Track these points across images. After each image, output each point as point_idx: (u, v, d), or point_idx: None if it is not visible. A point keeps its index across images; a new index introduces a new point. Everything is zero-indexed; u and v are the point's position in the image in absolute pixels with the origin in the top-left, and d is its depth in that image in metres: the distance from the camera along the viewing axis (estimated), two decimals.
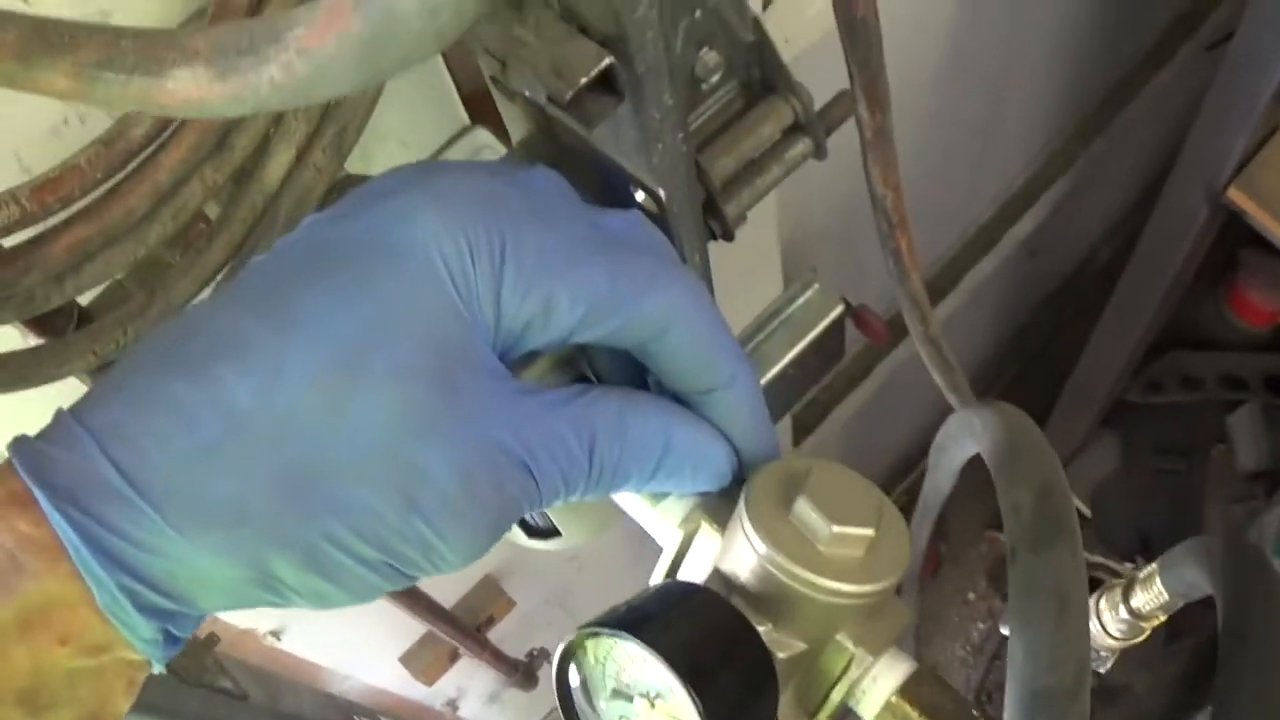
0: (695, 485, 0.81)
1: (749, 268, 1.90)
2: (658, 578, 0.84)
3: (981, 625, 5.20)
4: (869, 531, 0.75)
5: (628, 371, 0.82)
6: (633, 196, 0.86)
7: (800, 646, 0.77)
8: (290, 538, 0.64)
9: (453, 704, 3.30)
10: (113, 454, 0.61)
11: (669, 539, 0.85)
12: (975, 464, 0.95)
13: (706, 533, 0.83)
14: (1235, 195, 2.90)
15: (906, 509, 1.58)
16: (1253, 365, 4.63)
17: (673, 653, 0.67)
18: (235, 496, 0.62)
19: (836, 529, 0.74)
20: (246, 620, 2.14)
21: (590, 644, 0.74)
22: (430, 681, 2.76)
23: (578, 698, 0.75)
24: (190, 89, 0.55)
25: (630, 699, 0.73)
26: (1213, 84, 2.84)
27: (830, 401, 3.16)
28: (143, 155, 0.88)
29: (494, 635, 2.84)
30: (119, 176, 0.88)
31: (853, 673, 0.79)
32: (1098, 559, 1.32)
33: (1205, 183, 2.98)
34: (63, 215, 0.87)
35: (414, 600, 2.26)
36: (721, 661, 0.70)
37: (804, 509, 0.75)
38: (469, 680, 3.20)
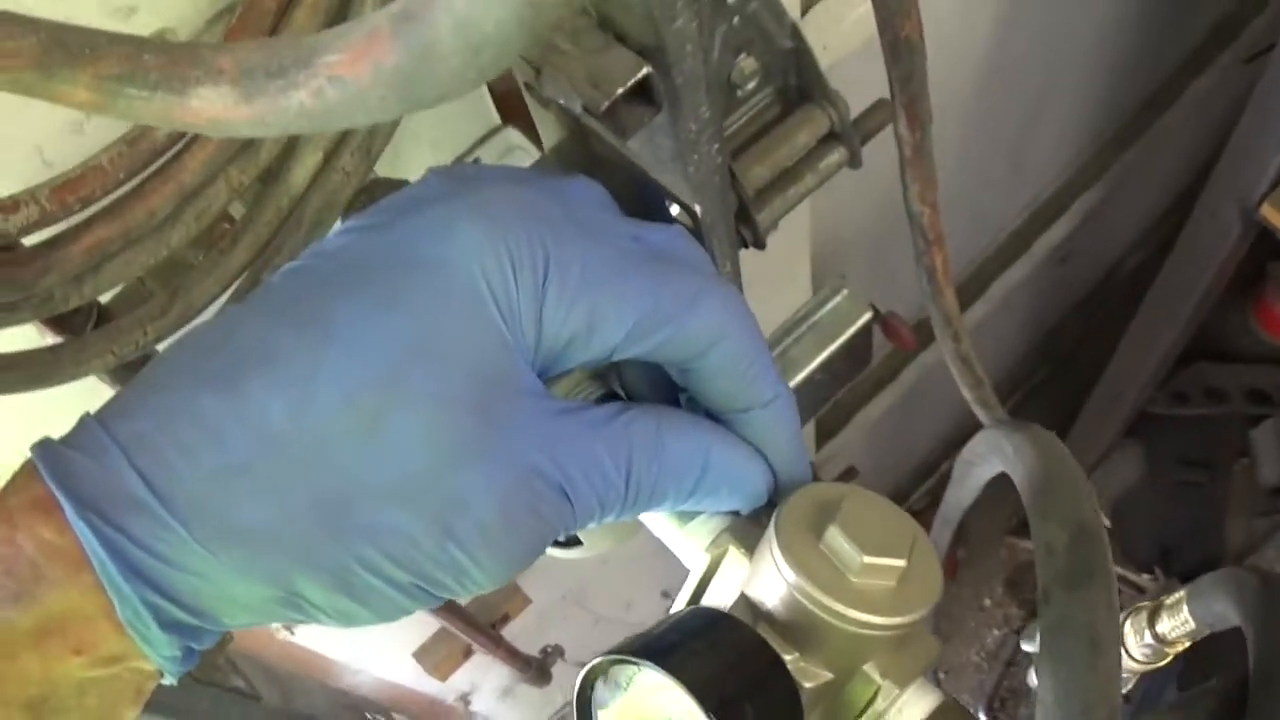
0: (731, 505, 0.80)
1: (779, 273, 1.89)
2: (682, 602, 0.83)
3: (997, 631, 5.20)
4: (901, 563, 0.74)
5: (657, 386, 0.81)
6: (666, 209, 0.85)
7: (826, 676, 0.76)
8: (321, 560, 0.62)
9: (465, 699, 3.30)
10: (140, 466, 0.59)
11: (696, 562, 0.84)
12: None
13: (734, 558, 0.82)
14: (1269, 212, 2.89)
15: (927, 512, 1.57)
16: (1278, 380, 4.61)
17: (698, 683, 0.66)
18: (266, 517, 0.61)
19: (868, 559, 0.73)
20: None
21: (613, 671, 0.72)
22: (443, 677, 2.76)
23: None
24: (214, 109, 0.53)
25: None
26: (1250, 99, 2.83)
27: (855, 405, 3.15)
28: (167, 155, 0.87)
29: (508, 632, 2.84)
30: (142, 176, 0.87)
31: (879, 704, 0.78)
32: (1116, 570, 1.30)
33: (1239, 198, 2.97)
34: (84, 215, 0.86)
35: None
36: (747, 692, 0.68)
37: (835, 538, 0.74)
38: (482, 675, 3.20)
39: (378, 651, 2.70)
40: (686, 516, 0.85)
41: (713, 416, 0.78)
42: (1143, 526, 4.60)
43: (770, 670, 0.71)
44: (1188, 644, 1.18)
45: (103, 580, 0.60)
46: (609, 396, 0.85)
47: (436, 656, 2.70)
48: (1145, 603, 1.25)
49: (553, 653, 3.31)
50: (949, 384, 1.73)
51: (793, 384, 1.90)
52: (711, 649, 0.70)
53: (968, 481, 1.10)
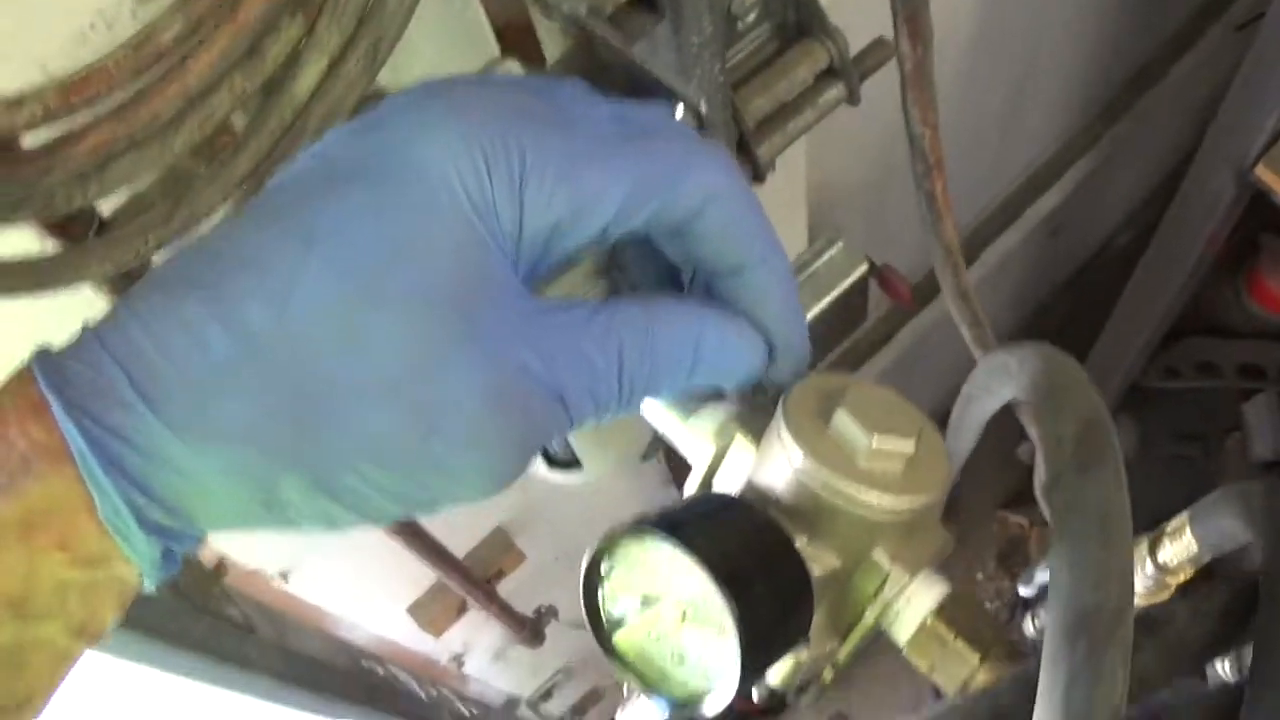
0: (728, 382, 0.79)
1: (776, 221, 1.88)
2: (690, 492, 0.83)
3: (990, 605, 5.19)
4: (909, 446, 0.74)
5: (660, 278, 0.81)
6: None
7: (835, 563, 0.76)
8: (300, 458, 0.63)
9: (458, 659, 3.31)
10: (127, 368, 0.61)
11: (701, 453, 0.84)
12: (986, 442, 0.93)
13: (740, 445, 0.82)
14: (1263, 173, 2.89)
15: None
16: (1271, 354, 4.62)
17: (711, 557, 0.66)
18: (246, 415, 0.62)
19: (876, 442, 0.73)
20: (254, 560, 2.14)
21: (623, 546, 0.72)
22: (438, 633, 2.76)
23: (605, 605, 0.74)
24: None
25: (660, 609, 0.72)
26: (1244, 61, 2.83)
27: (852, 366, 3.15)
28: (171, 59, 0.87)
29: (503, 589, 2.84)
30: (146, 79, 0.87)
31: (887, 592, 0.78)
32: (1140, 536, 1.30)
33: (1233, 161, 2.96)
34: (88, 117, 0.86)
35: (424, 545, 2.25)
36: (758, 570, 0.69)
37: (843, 421, 0.74)
38: (476, 635, 3.20)
39: (373, 606, 2.70)
40: (690, 409, 0.85)
41: (712, 288, 0.78)
42: (1137, 501, 4.58)
43: (781, 550, 0.71)
44: (1190, 572, 1.18)
45: (83, 473, 0.61)
46: (613, 294, 0.85)
47: (431, 612, 2.70)
48: (1142, 536, 1.25)
49: (546, 613, 3.31)
50: (946, 347, 1.73)
51: None
52: (725, 528, 0.70)
53: (968, 420, 1.10)
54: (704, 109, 0.86)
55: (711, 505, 0.73)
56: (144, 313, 0.62)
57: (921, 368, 3.46)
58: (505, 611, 2.92)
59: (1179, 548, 1.14)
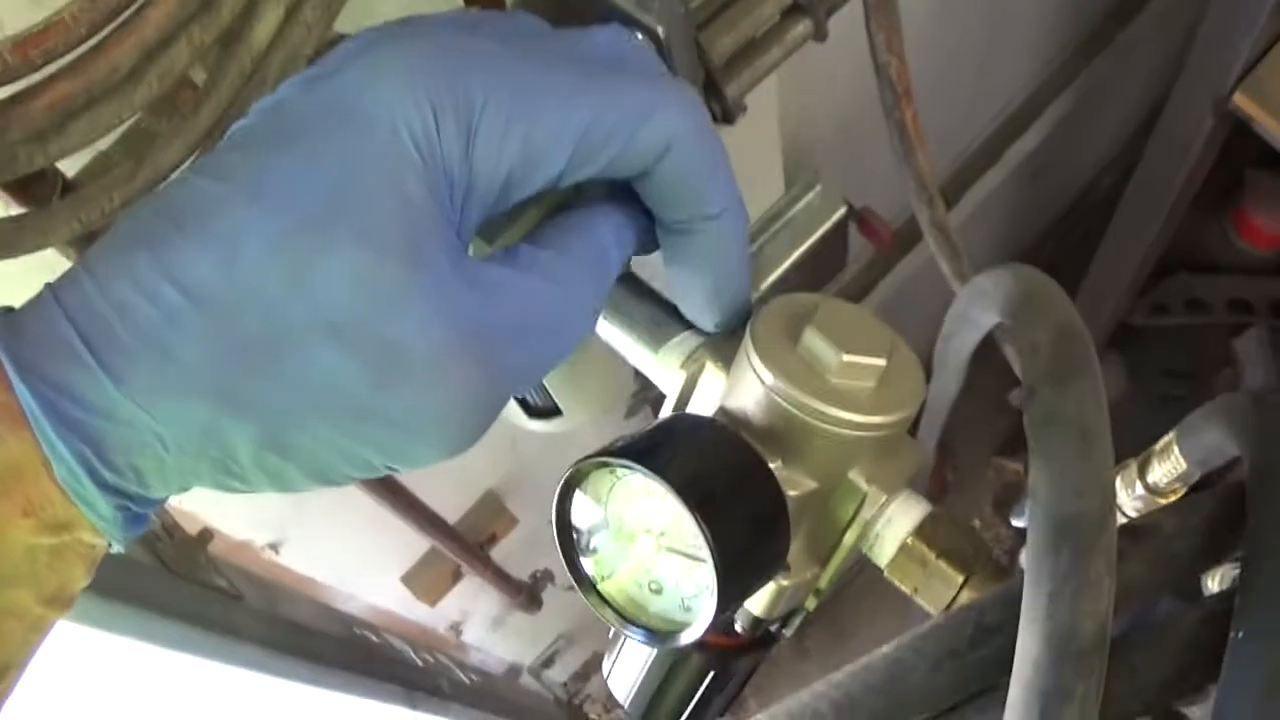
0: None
1: (750, 166, 1.89)
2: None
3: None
4: (880, 361, 0.73)
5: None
6: None
7: (811, 485, 0.76)
8: (247, 410, 0.63)
9: (456, 628, 3.32)
10: (79, 325, 0.61)
11: (672, 382, 0.83)
12: (980, 388, 0.93)
13: (711, 372, 0.81)
14: (1241, 100, 2.88)
15: (912, 430, 1.56)
16: (1259, 289, 4.64)
17: (681, 482, 0.65)
18: (193, 368, 0.61)
19: (846, 358, 0.73)
20: (244, 531, 2.14)
21: (593, 477, 0.72)
22: (433, 602, 2.76)
23: (580, 538, 0.74)
24: None
25: (635, 538, 0.71)
26: None
27: None
28: (129, 11, 0.86)
29: (497, 555, 2.84)
30: (104, 33, 0.86)
31: (865, 513, 0.77)
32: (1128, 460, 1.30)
33: (1211, 90, 2.96)
34: (46, 72, 0.85)
35: (415, 512, 2.25)
36: (731, 491, 0.68)
37: (812, 339, 0.74)
38: (473, 603, 3.21)
39: (367, 577, 2.71)
40: (659, 340, 0.84)
41: (661, 227, 0.77)
42: (1127, 439, 4.58)
43: (754, 470, 0.71)
44: (1181, 490, 1.18)
45: (37, 434, 0.61)
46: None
47: (425, 580, 2.70)
48: (1131, 459, 1.25)
49: (542, 577, 3.32)
50: (930, 294, 1.73)
51: (767, 283, 1.91)
52: (695, 450, 0.70)
53: (951, 357, 1.09)
54: (663, 34, 0.85)
55: (680, 429, 0.73)
56: (97, 270, 0.62)
57: (906, 315, 3.45)
58: (500, 577, 2.93)
59: (1168, 466, 1.14)
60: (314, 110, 0.65)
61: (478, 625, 3.41)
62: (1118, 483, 1.24)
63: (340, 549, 2.47)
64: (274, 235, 0.61)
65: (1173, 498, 1.19)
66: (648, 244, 0.79)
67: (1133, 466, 1.22)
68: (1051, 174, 4.14)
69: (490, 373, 0.67)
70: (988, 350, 0.91)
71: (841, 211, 1.94)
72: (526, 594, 3.20)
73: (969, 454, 5.19)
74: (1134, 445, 1.22)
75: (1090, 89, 3.56)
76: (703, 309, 0.81)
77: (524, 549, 3.00)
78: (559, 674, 4.38)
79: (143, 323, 0.60)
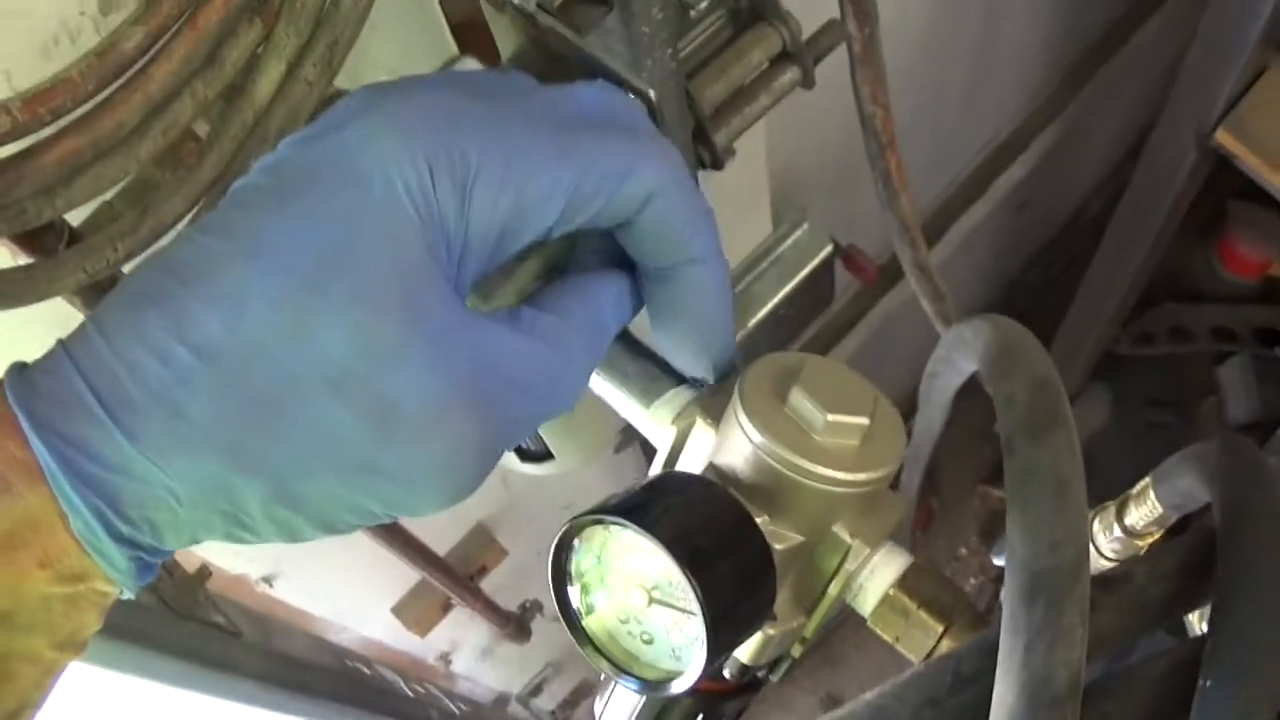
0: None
1: (739, 208, 1.90)
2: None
3: (974, 580, 5.21)
4: (864, 420, 0.75)
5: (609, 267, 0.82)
6: None
7: (797, 539, 0.78)
8: (257, 465, 0.64)
9: (446, 658, 3.32)
10: (93, 384, 0.62)
11: (663, 437, 0.85)
12: (966, 417, 0.94)
13: (701, 429, 0.83)
14: (1223, 138, 2.90)
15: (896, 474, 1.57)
16: (1242, 317, 4.65)
17: (671, 539, 0.67)
18: (203, 424, 0.63)
19: (831, 418, 0.75)
20: (238, 566, 2.15)
21: (587, 534, 0.74)
22: (423, 632, 2.77)
23: (575, 591, 0.75)
24: None
25: (628, 591, 0.73)
26: (1201, 24, 2.84)
27: (822, 348, 3.15)
28: (134, 68, 0.88)
29: (486, 586, 2.85)
30: (111, 89, 0.88)
31: (849, 565, 0.79)
32: (1089, 511, 1.31)
33: (1194, 125, 2.97)
34: (54, 128, 0.87)
35: (406, 545, 2.26)
36: (720, 548, 0.70)
37: (798, 399, 0.76)
38: (462, 633, 3.21)
39: (358, 609, 2.71)
40: (650, 396, 0.86)
41: (645, 280, 0.79)
42: (1113, 468, 4.59)
43: (742, 527, 0.73)
44: (1157, 534, 1.19)
45: (54, 489, 0.62)
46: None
47: (416, 611, 2.71)
48: (1110, 502, 1.27)
49: (531, 608, 3.32)
50: (916, 327, 1.74)
51: (756, 320, 1.92)
52: (683, 507, 0.71)
53: (934, 396, 1.11)
54: (654, 97, 0.87)
55: (670, 486, 0.74)
56: (108, 329, 0.63)
57: (892, 348, 3.47)
58: (490, 608, 2.93)
59: (1144, 511, 1.16)
60: (312, 168, 0.66)
61: (467, 655, 3.41)
62: (1096, 525, 1.26)
63: (332, 582, 2.47)
64: (276, 293, 0.63)
65: (1150, 540, 1.20)
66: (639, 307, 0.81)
67: (1110, 509, 1.24)
68: (1038, 205, 4.15)
69: (486, 427, 0.69)
70: (974, 383, 0.93)
71: (828, 249, 1.95)
72: (515, 624, 3.21)
73: (955, 483, 5.20)
74: (1120, 473, 1.24)
75: (1076, 122, 3.58)
76: (688, 356, 0.83)
77: (513, 580, 3.01)
78: (547, 702, 4.37)
79: (153, 380, 0.62)
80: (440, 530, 2.56)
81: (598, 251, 0.81)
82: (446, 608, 2.77)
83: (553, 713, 4.53)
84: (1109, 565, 1.27)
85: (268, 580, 2.23)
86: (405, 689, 2.98)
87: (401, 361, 0.65)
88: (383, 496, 0.67)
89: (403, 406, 0.65)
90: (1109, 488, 1.26)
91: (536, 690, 4.15)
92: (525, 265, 0.81)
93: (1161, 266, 4.04)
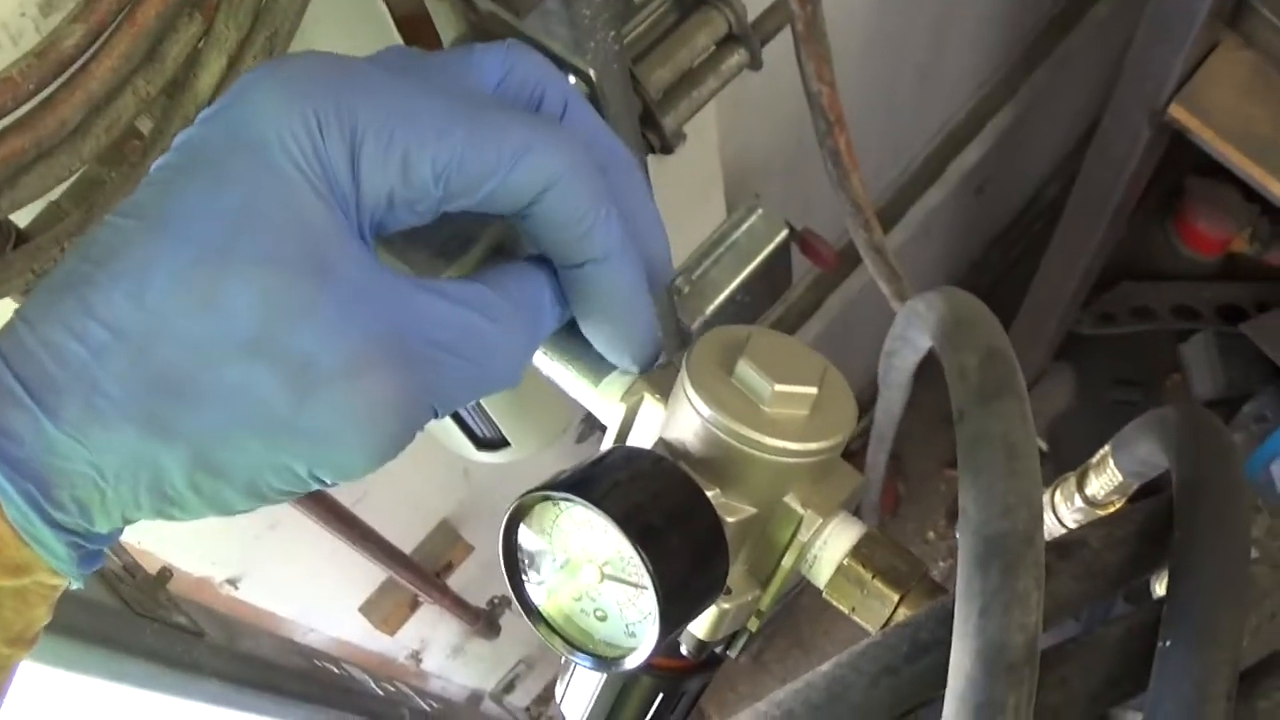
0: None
1: (692, 193, 1.90)
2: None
3: (942, 564, 5.21)
4: (812, 390, 0.75)
5: None
6: None
7: (749, 510, 0.77)
8: (175, 432, 0.64)
9: (416, 656, 3.32)
10: (15, 368, 0.63)
11: (612, 415, 0.85)
12: (929, 401, 0.94)
13: (650, 404, 0.83)
14: (1177, 112, 2.91)
15: (866, 449, 1.57)
16: (1204, 294, 4.67)
17: (621, 514, 0.67)
18: (120, 398, 0.63)
19: (779, 388, 0.74)
20: (203, 568, 2.15)
21: (537, 510, 0.73)
22: (392, 631, 2.77)
23: (526, 570, 0.75)
24: None
25: (579, 568, 0.73)
26: (1149, 2, 2.85)
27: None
28: (75, 66, 0.88)
29: (454, 583, 2.85)
30: (52, 88, 0.88)
31: (802, 536, 0.79)
32: (1049, 482, 1.32)
33: (1146, 102, 2.98)
34: None
35: (370, 543, 2.25)
36: (670, 521, 0.70)
37: (745, 370, 0.76)
38: (432, 631, 3.21)
39: (326, 609, 2.72)
40: (599, 374, 0.86)
41: (559, 274, 0.78)
42: (1079, 448, 4.60)
43: (692, 500, 0.72)
44: (1119, 502, 1.19)
45: None
46: None
47: (383, 610, 2.71)
48: (1070, 472, 1.27)
49: (500, 603, 3.32)
50: (877, 310, 1.74)
51: (713, 307, 1.92)
52: (631, 482, 0.71)
53: (893, 376, 1.11)
54: (595, 78, 0.87)
55: (619, 461, 0.74)
56: (31, 316, 0.64)
57: (855, 333, 3.47)
58: (458, 604, 2.93)
59: (1104, 479, 1.16)
60: (212, 141, 0.66)
61: (437, 653, 3.41)
62: (1057, 495, 1.26)
63: (298, 582, 2.47)
64: (179, 265, 0.63)
65: (1111, 509, 1.21)
66: None
67: (1071, 480, 1.24)
68: (997, 185, 4.16)
69: (407, 386, 0.69)
70: (936, 365, 0.93)
71: (784, 234, 1.95)
72: (485, 620, 3.21)
73: (921, 466, 5.21)
74: (1086, 452, 1.24)
75: (1032, 101, 3.58)
76: (608, 349, 0.82)
77: (481, 576, 3.01)
78: (520, 699, 4.37)
79: (71, 360, 0.63)
80: (405, 527, 2.56)
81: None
82: (414, 605, 2.77)
83: (527, 709, 4.53)
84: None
85: (233, 582, 2.23)
86: (375, 688, 2.97)
87: (311, 318, 0.65)
88: (304, 455, 0.67)
89: (316, 363, 0.65)
90: (1076, 467, 1.26)
91: (509, 687, 4.15)
92: (472, 254, 0.81)
93: (1121, 246, 4.05)
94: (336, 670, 2.77)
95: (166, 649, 1.92)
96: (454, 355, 0.71)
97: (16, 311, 0.65)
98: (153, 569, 1.95)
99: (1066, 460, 4.28)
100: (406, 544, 2.58)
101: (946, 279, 4.75)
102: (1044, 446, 4.74)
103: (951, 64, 3.20)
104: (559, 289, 0.78)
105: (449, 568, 2.76)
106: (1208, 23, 2.73)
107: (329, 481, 0.70)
